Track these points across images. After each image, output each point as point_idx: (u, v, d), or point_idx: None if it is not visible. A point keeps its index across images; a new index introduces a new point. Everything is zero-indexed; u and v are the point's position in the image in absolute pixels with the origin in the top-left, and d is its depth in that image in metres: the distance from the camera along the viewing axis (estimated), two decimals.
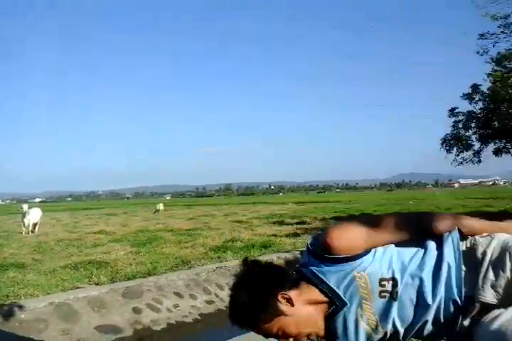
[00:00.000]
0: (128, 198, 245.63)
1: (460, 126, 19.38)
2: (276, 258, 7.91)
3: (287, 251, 8.63)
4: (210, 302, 6.10)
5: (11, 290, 5.73)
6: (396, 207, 24.57)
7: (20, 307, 4.67)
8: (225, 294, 6.45)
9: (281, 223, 15.87)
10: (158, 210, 29.70)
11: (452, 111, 19.62)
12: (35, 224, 15.29)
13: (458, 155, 19.67)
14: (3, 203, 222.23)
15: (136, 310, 5.33)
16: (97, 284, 6.02)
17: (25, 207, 15.73)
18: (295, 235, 11.42)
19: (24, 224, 14.89)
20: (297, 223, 15.57)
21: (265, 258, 7.84)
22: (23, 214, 15.10)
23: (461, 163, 19.76)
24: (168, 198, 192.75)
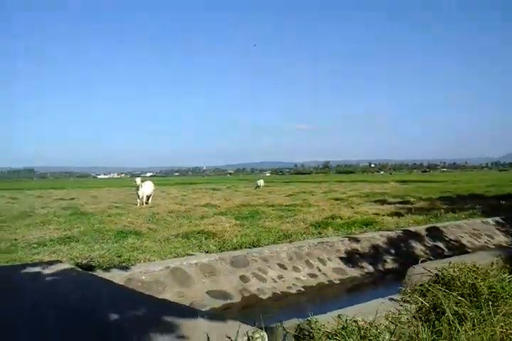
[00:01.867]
0: (230, 174, 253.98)
1: None
2: (379, 236, 7.80)
3: (390, 230, 8.46)
4: (312, 275, 6.23)
5: (131, 254, 6.32)
6: (508, 188, 22.43)
7: (141, 269, 5.14)
8: (328, 268, 6.54)
9: (382, 202, 15.46)
10: (258, 186, 30.49)
11: None
12: (148, 197, 16.41)
13: None
14: (119, 177, 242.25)
15: (243, 278, 5.63)
16: (207, 252, 6.40)
17: (138, 180, 16.50)
18: (398, 214, 11.10)
19: (138, 196, 16.02)
20: (400, 202, 15.09)
21: (367, 235, 7.78)
22: (137, 187, 16.12)
23: None
24: (267, 174, 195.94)
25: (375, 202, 15.63)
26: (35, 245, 7.36)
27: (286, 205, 14.34)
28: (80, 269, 4.61)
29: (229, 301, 5.16)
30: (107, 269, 5.14)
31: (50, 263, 4.74)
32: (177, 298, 4.63)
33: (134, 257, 6.12)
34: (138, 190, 16.17)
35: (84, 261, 5.67)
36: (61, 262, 4.93)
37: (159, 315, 2.58)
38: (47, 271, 3.91)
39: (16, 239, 7.98)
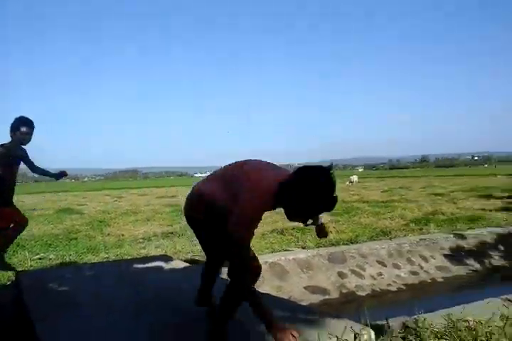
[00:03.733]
0: None
1: None
2: (487, 232, 7.30)
3: (499, 227, 7.87)
4: (414, 273, 6.00)
5: None
6: None
7: None
8: (430, 266, 6.26)
9: (488, 197, 14.38)
10: (352, 182, 29.98)
11: None
12: None
13: None
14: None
15: (341, 275, 5.57)
16: (303, 248, 6.42)
17: None
18: (507, 209, 10.30)
19: None
20: (509, 197, 13.94)
21: (474, 232, 7.33)
22: None
23: None
24: (360, 170, 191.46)
25: (481, 197, 14.57)
26: (140, 240, 7.87)
27: (383, 201, 13.90)
28: (184, 262, 4.85)
29: (327, 297, 5.13)
30: None
31: (157, 257, 5.06)
32: (275, 292, 4.70)
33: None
34: None
35: (189, 256, 5.97)
36: (167, 256, 5.22)
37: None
38: (154, 265, 4.16)
39: (123, 234, 8.58)
